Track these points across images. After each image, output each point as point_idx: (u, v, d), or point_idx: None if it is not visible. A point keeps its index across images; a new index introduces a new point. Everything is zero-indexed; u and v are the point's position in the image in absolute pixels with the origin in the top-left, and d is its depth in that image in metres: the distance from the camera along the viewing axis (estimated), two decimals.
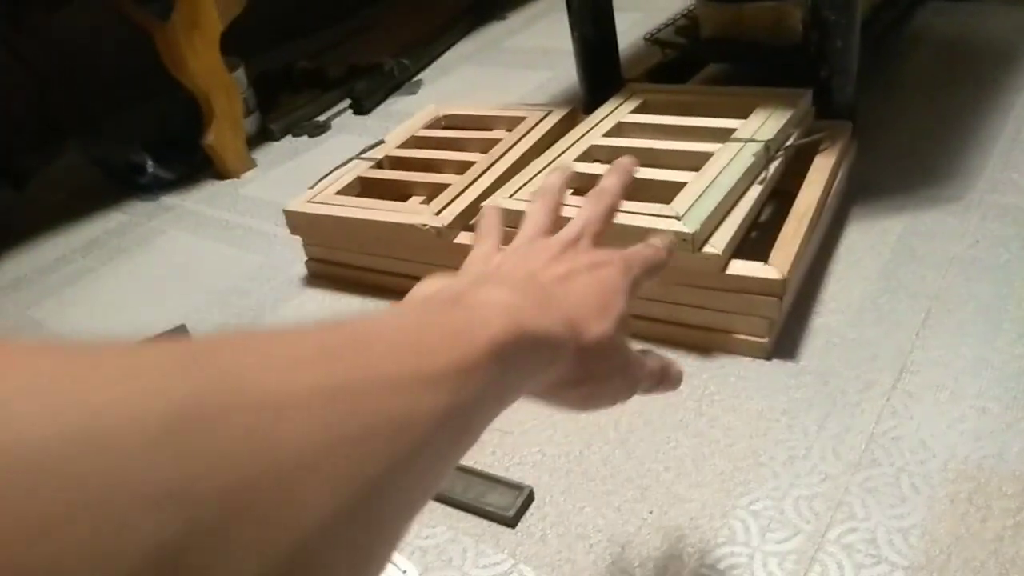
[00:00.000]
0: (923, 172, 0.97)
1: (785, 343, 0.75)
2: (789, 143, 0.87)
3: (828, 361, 0.72)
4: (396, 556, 0.51)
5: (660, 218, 0.73)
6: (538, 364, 0.32)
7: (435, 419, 0.24)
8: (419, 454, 0.23)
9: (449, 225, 0.85)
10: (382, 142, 1.09)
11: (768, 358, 0.74)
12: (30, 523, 0.14)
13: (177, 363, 0.19)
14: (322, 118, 1.54)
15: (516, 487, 0.65)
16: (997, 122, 1.05)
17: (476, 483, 0.66)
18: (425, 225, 0.86)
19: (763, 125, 0.86)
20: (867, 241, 0.87)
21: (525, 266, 0.39)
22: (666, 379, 0.44)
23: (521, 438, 0.70)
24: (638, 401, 0.67)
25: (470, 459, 0.69)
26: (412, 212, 0.89)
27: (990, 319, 0.73)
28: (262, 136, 1.49)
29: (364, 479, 0.21)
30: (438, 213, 0.87)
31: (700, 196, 0.75)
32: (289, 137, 1.49)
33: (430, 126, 1.12)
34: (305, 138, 1.48)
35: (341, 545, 0.20)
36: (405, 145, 1.08)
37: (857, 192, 0.95)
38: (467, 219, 0.88)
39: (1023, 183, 0.92)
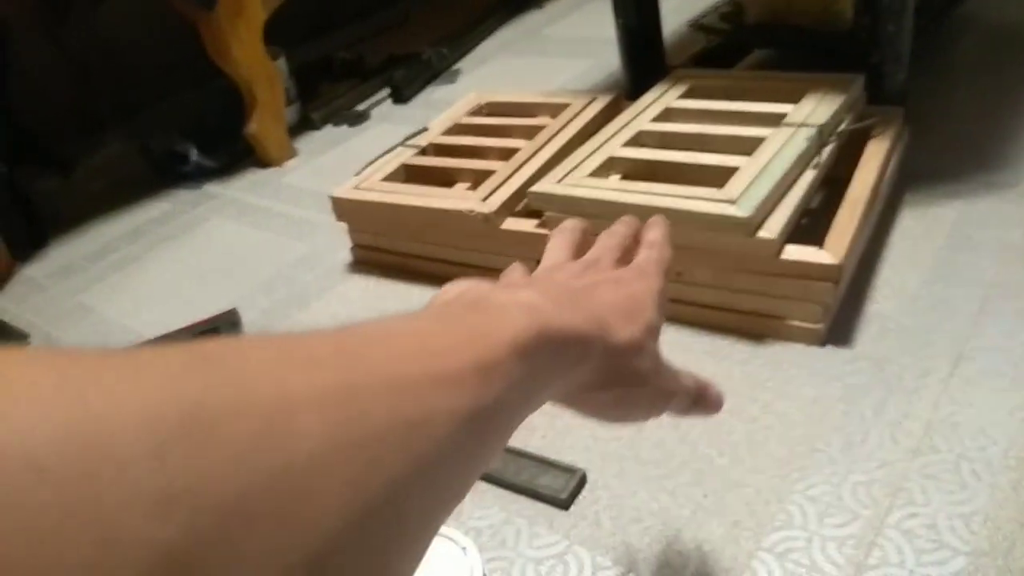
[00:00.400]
0: (976, 158, 0.96)
1: (839, 329, 0.74)
2: (841, 128, 0.86)
3: (883, 348, 0.71)
4: (456, 533, 0.51)
5: (714, 202, 0.73)
6: (566, 362, 0.31)
7: (455, 420, 0.23)
8: (440, 455, 0.22)
9: (496, 211, 0.85)
10: (425, 129, 1.09)
11: (822, 344, 0.73)
12: (26, 526, 0.14)
13: (184, 365, 0.18)
14: (362, 107, 1.54)
15: (569, 470, 0.65)
16: None
17: (528, 465, 0.66)
18: (472, 211, 0.86)
19: (815, 110, 0.85)
20: (921, 228, 0.86)
21: (550, 277, 0.39)
22: (703, 399, 0.43)
23: (572, 421, 0.70)
24: None
25: (521, 442, 0.69)
26: (459, 198, 0.89)
27: None
28: (303, 125, 1.50)
29: (381, 482, 0.20)
30: (485, 199, 0.87)
31: (754, 180, 0.74)
32: (329, 126, 1.50)
33: (473, 113, 1.12)
34: (345, 127, 1.49)
35: (359, 551, 0.19)
36: (449, 132, 1.08)
37: (910, 179, 0.93)
38: (514, 205, 0.88)
39: None
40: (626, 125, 0.92)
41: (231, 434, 0.17)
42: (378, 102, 1.57)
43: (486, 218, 0.85)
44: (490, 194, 0.88)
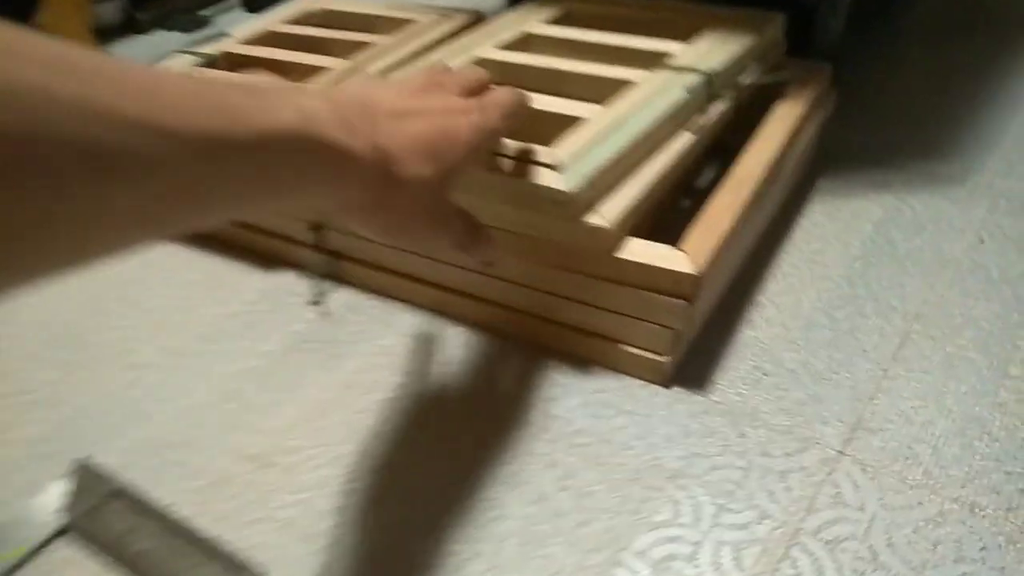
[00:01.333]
0: (919, 141, 0.74)
1: (694, 364, 0.52)
2: (744, 81, 0.62)
3: (751, 398, 0.49)
4: None
5: (533, 165, 0.49)
6: (320, 173, 0.31)
7: (144, 164, 0.23)
8: (113, 196, 0.23)
9: None
10: (225, 35, 0.83)
11: (667, 384, 0.51)
12: None
13: None
14: (207, 12, 1.26)
15: (239, 568, 0.41)
16: (1019, 87, 0.81)
17: (188, 552, 0.43)
18: None
19: (709, 52, 0.61)
20: (833, 227, 0.64)
21: (371, 91, 0.37)
22: (478, 244, 0.43)
23: (285, 476, 0.47)
24: (468, 440, 0.43)
25: (197, 506, 0.45)
26: None
27: (992, 359, 0.50)
28: (126, 27, 1.22)
29: (25, 204, 0.20)
30: None
31: (597, 141, 0.50)
32: (160, 31, 1.22)
33: (296, 21, 0.86)
34: (178, 34, 1.21)
35: None
36: (254, 41, 0.82)
37: (829, 160, 0.71)
38: None
39: None
40: (466, 50, 0.68)
41: None
42: (228, 8, 1.29)
43: None
44: None
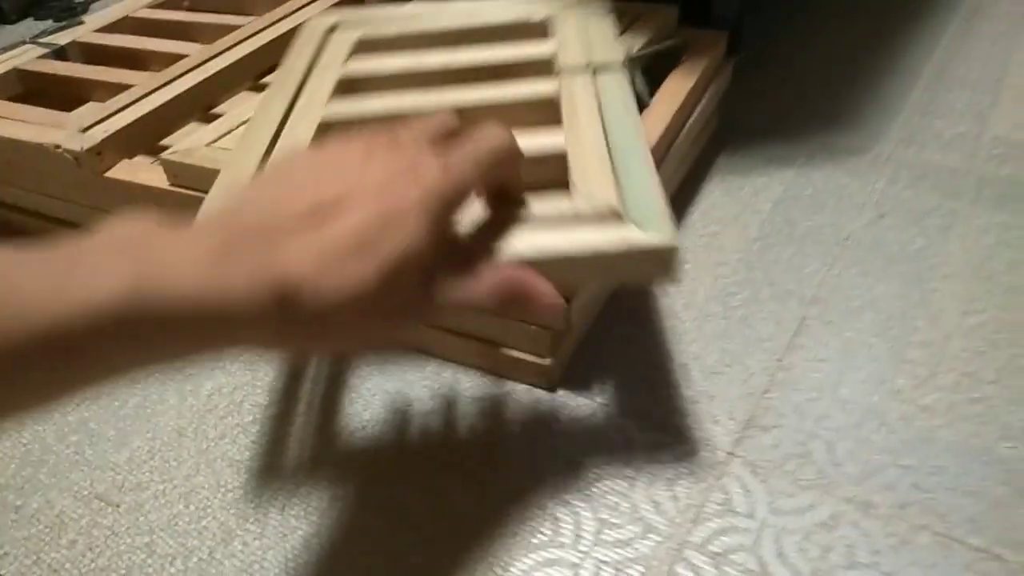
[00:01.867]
0: (821, 113, 0.71)
1: (582, 364, 0.48)
2: (635, 55, 0.58)
3: (641, 399, 0.46)
4: None
5: (594, 226, 0.36)
6: (180, 337, 0.25)
7: None
8: None
9: (97, 148, 0.54)
10: (81, 22, 0.76)
11: (552, 389, 0.47)
12: None
13: None
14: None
15: None
16: (920, 54, 0.80)
17: None
18: (59, 147, 0.55)
19: (590, 43, 0.54)
20: (730, 207, 0.61)
21: (280, 194, 0.28)
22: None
23: (129, 516, 0.42)
24: (334, 463, 0.39)
25: (30, 556, 0.40)
26: (52, 126, 0.58)
27: (892, 341, 0.48)
28: None
29: None
30: (86, 130, 0.56)
31: (621, 171, 0.40)
32: (30, 21, 1.13)
33: (160, 5, 0.80)
34: (51, 23, 1.12)
35: None
36: (112, 28, 0.75)
37: (731, 135, 0.68)
38: (134, 142, 0.57)
39: (948, 134, 0.67)
40: (300, 106, 0.50)
41: None
42: None
43: (77, 158, 0.54)
44: (98, 122, 0.57)
